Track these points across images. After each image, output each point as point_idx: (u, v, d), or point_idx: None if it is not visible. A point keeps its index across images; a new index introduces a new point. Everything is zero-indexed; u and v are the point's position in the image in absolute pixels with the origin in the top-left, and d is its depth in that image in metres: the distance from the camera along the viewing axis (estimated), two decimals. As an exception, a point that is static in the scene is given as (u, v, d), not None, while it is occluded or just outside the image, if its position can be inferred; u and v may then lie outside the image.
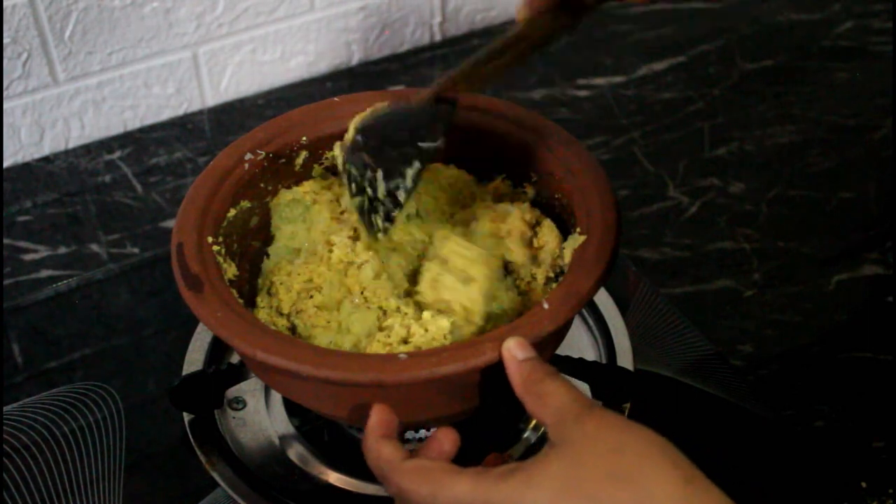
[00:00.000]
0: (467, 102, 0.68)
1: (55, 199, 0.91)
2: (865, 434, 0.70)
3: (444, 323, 0.62)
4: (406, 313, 0.64)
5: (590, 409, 0.49)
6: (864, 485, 0.67)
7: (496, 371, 0.54)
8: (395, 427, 0.54)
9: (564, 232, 0.65)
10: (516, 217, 0.67)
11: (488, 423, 0.68)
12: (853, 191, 0.89)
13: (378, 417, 0.54)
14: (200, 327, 0.73)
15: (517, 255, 0.66)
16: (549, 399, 0.50)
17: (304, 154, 0.69)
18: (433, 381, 0.53)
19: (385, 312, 0.65)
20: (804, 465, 0.69)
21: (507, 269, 0.66)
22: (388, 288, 0.64)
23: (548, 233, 0.65)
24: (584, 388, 0.68)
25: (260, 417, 0.69)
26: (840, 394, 0.72)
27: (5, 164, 0.94)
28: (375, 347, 0.61)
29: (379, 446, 0.53)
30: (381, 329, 0.63)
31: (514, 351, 0.53)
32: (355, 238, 0.66)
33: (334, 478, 0.66)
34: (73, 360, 0.76)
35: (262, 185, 0.67)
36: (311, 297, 0.67)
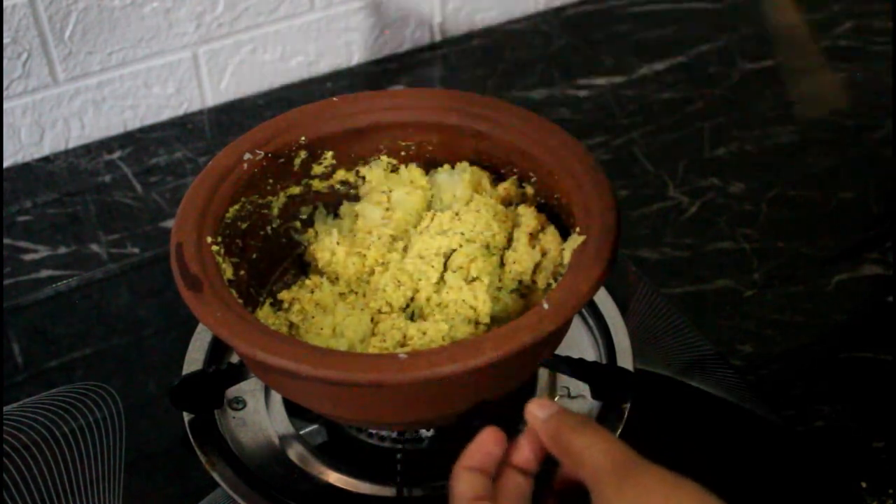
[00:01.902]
0: (473, 108, 0.69)
1: (55, 199, 0.91)
2: (865, 434, 0.70)
3: (443, 326, 0.62)
4: (401, 315, 0.64)
5: (629, 468, 0.46)
6: (864, 485, 0.67)
7: (496, 371, 0.54)
8: (493, 461, 0.51)
9: (564, 232, 0.66)
10: (524, 222, 0.67)
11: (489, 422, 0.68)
12: (853, 191, 0.89)
13: (475, 445, 0.52)
14: (200, 327, 0.73)
15: (523, 259, 0.66)
16: (582, 458, 0.48)
17: (302, 154, 0.69)
18: (433, 381, 0.53)
19: (380, 311, 0.65)
20: (804, 465, 0.69)
21: (510, 272, 0.66)
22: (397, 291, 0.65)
23: (551, 239, 0.65)
24: (584, 388, 0.69)
25: (260, 417, 0.69)
26: (840, 394, 0.72)
27: (5, 164, 0.94)
28: (371, 352, 0.61)
29: (458, 475, 0.51)
30: (374, 334, 0.63)
31: (536, 412, 0.51)
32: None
33: (334, 478, 0.66)
34: (73, 360, 0.76)
35: (261, 184, 0.68)
36: (312, 292, 0.67)
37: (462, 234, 0.66)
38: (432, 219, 0.67)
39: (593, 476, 0.47)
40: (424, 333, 0.62)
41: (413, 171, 0.71)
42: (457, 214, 0.67)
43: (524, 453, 0.51)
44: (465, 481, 0.50)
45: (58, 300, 0.81)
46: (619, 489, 0.45)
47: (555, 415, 0.50)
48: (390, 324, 0.63)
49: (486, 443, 0.51)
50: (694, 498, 0.45)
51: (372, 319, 0.64)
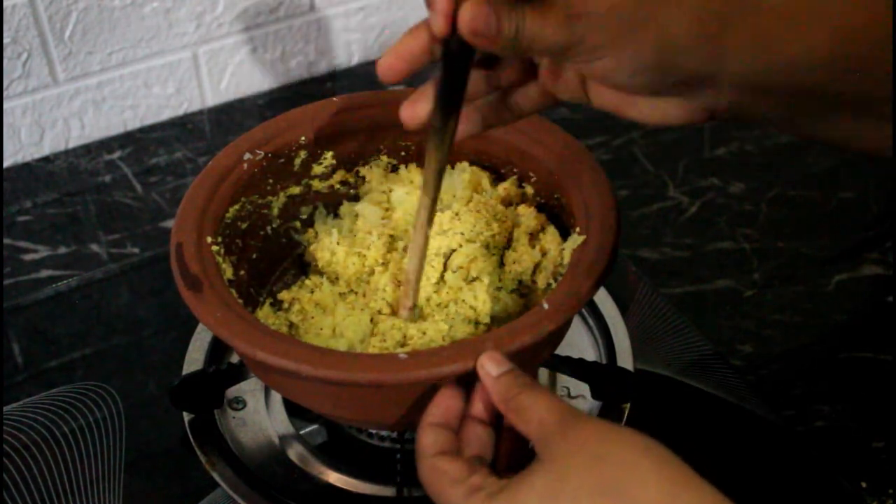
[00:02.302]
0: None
1: (55, 199, 0.91)
2: (865, 434, 0.70)
3: (443, 326, 0.62)
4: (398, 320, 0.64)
5: (572, 420, 0.48)
6: (864, 485, 0.67)
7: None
8: (453, 415, 0.53)
9: (564, 232, 0.65)
10: (524, 222, 0.67)
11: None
12: (853, 191, 0.89)
13: (436, 402, 0.53)
14: (200, 327, 0.73)
15: (523, 259, 0.66)
16: (528, 414, 0.49)
17: (302, 154, 0.69)
18: (433, 381, 0.53)
19: (379, 311, 0.65)
20: (804, 465, 0.69)
21: (510, 272, 0.66)
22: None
23: (551, 239, 0.65)
24: (584, 388, 0.68)
25: (260, 417, 0.69)
26: (840, 394, 0.72)
27: (5, 164, 0.94)
28: (371, 352, 0.61)
29: (422, 432, 0.52)
30: (374, 334, 0.63)
31: (488, 368, 0.52)
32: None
33: (334, 478, 0.66)
34: (73, 360, 0.76)
35: (261, 184, 0.68)
36: (312, 292, 0.67)
37: (462, 234, 0.66)
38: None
39: (539, 429, 0.48)
40: (424, 333, 0.62)
41: (413, 171, 0.71)
42: (456, 214, 0.67)
43: (478, 405, 0.53)
44: (428, 436, 0.52)
45: (58, 300, 0.81)
46: (563, 438, 0.47)
47: (505, 373, 0.52)
48: (390, 324, 0.63)
49: (445, 398, 0.53)
50: (629, 445, 0.46)
51: (371, 320, 0.64)
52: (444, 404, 0.53)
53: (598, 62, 0.48)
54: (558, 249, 0.64)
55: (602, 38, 0.46)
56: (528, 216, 0.67)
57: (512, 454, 0.53)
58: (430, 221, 0.59)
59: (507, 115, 0.55)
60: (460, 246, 0.66)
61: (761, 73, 0.47)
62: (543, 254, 0.65)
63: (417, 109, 0.53)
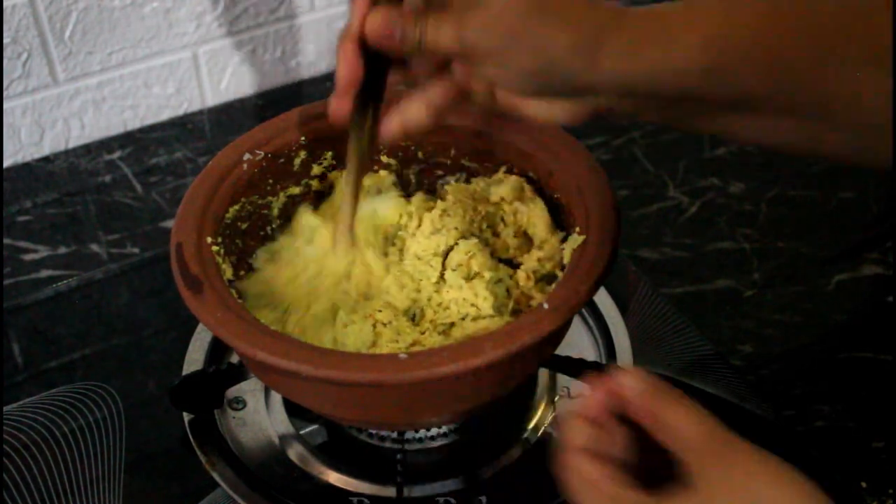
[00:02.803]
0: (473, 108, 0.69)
1: (55, 199, 0.91)
2: (865, 434, 0.70)
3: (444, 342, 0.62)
4: (400, 323, 0.64)
5: (721, 444, 0.46)
6: (864, 485, 0.67)
7: (496, 371, 0.54)
8: (604, 411, 0.50)
9: (564, 232, 0.66)
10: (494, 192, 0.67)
11: (488, 422, 0.68)
12: (853, 191, 0.89)
13: (591, 396, 0.51)
14: (200, 327, 0.73)
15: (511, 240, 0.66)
16: (675, 433, 0.47)
17: (302, 154, 0.69)
18: (433, 381, 0.53)
19: (383, 324, 0.65)
20: (804, 465, 0.69)
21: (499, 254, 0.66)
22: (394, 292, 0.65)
23: (536, 213, 0.66)
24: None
25: (260, 417, 0.69)
26: (840, 394, 0.72)
27: (5, 164, 0.94)
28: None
29: (572, 423, 0.50)
30: (374, 345, 0.63)
31: (630, 384, 0.49)
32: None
33: (334, 478, 0.66)
34: (73, 360, 0.76)
35: (261, 184, 0.68)
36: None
37: (456, 228, 0.66)
38: (420, 221, 0.67)
39: (686, 451, 0.47)
40: (423, 333, 0.62)
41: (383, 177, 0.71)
42: (444, 210, 0.67)
43: (623, 409, 0.50)
44: (576, 429, 0.49)
45: (58, 300, 0.81)
46: (711, 464, 0.46)
47: (651, 387, 0.49)
48: (392, 336, 0.63)
49: (599, 392, 0.50)
50: (789, 491, 0.45)
51: (374, 327, 0.64)
52: (598, 399, 0.50)
53: (487, 68, 0.51)
54: (543, 221, 0.64)
55: (487, 46, 0.50)
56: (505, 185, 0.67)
57: (654, 464, 0.50)
58: (353, 210, 0.63)
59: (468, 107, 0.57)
60: (456, 243, 0.66)
61: (634, 80, 0.49)
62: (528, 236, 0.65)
63: (342, 105, 0.57)
